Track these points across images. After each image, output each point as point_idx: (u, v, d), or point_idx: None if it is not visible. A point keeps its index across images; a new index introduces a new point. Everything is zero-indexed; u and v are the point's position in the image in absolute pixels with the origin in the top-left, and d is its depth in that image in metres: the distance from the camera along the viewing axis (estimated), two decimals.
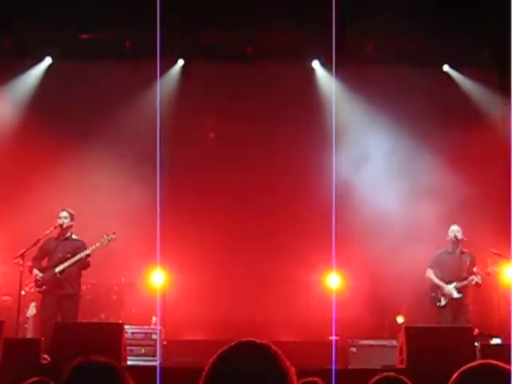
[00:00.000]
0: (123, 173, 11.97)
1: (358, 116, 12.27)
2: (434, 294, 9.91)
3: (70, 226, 9.60)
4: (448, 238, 10.00)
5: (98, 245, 9.39)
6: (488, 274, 9.83)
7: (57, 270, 9.30)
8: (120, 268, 11.45)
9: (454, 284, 9.73)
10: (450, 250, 9.97)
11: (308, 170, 12.54)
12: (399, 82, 12.45)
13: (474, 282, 9.67)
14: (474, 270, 9.73)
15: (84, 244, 9.51)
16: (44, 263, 9.58)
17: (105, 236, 9.44)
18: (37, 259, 9.53)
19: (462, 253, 9.94)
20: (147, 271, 10.66)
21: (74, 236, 9.61)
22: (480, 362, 2.23)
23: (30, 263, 9.53)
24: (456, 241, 9.89)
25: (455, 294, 9.71)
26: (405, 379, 3.35)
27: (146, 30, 9.21)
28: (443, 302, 9.79)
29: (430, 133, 12.60)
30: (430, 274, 9.99)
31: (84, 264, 9.44)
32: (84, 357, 2.66)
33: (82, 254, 9.32)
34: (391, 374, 3.42)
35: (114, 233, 9.47)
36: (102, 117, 12.55)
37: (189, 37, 11.76)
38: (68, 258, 9.34)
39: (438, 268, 9.97)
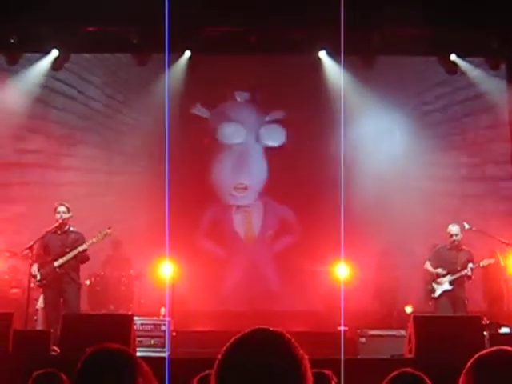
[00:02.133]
0: (131, 164, 11.95)
1: (365, 105, 12.21)
2: (429, 287, 10.10)
3: (68, 219, 9.55)
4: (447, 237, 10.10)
5: (94, 240, 9.34)
6: (480, 267, 10.03)
7: (56, 264, 9.25)
8: (129, 259, 11.49)
9: (448, 277, 9.91)
10: (448, 247, 10.08)
11: (316, 160, 12.52)
12: (406, 71, 12.41)
13: (463, 273, 9.87)
14: (470, 265, 9.82)
15: (82, 236, 9.44)
16: (44, 257, 9.53)
17: (101, 231, 9.39)
18: (38, 255, 9.44)
19: (460, 250, 10.05)
20: (156, 262, 10.66)
21: (72, 228, 9.55)
22: (496, 348, 2.21)
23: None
24: (453, 241, 9.97)
25: (446, 285, 9.91)
26: (422, 375, 3.30)
27: (153, 22, 9.20)
28: (437, 294, 9.98)
29: (437, 121, 12.56)
30: (428, 265, 10.18)
31: (82, 258, 9.38)
32: (98, 344, 2.63)
33: (80, 249, 9.29)
34: (409, 369, 3.36)
35: (109, 227, 9.41)
36: (110, 108, 12.56)
37: (195, 28, 11.72)
38: (66, 252, 9.30)
39: (434, 261, 10.14)
